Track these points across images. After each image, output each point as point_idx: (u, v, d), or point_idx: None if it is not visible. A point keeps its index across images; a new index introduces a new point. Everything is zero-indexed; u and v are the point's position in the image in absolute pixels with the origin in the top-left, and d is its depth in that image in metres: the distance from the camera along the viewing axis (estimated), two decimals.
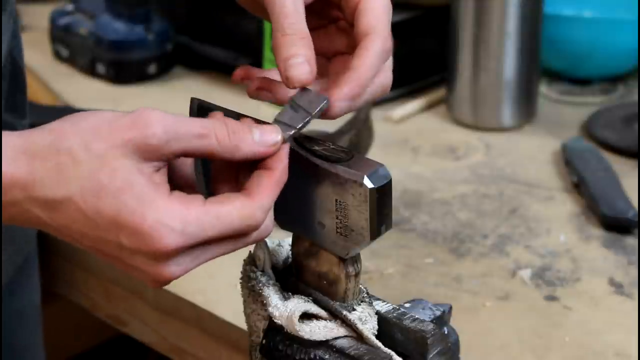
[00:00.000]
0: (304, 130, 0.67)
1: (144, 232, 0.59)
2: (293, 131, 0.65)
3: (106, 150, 0.59)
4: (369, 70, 0.67)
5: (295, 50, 0.66)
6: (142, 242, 0.59)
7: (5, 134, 0.60)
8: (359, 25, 0.68)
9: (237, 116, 0.69)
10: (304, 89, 0.67)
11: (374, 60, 0.67)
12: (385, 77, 0.71)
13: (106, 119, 0.60)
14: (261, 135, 0.63)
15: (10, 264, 0.96)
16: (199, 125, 0.61)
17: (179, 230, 0.59)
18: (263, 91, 0.70)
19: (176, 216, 0.59)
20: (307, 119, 0.66)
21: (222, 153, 0.62)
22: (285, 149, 0.65)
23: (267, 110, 1.30)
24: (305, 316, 0.71)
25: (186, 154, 0.62)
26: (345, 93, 0.66)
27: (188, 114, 0.72)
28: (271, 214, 0.64)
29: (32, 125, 1.28)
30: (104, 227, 0.59)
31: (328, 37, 0.73)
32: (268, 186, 0.63)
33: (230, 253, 0.64)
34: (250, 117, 0.66)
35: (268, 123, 0.66)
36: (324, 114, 0.67)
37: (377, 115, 1.28)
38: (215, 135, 0.62)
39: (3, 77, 0.87)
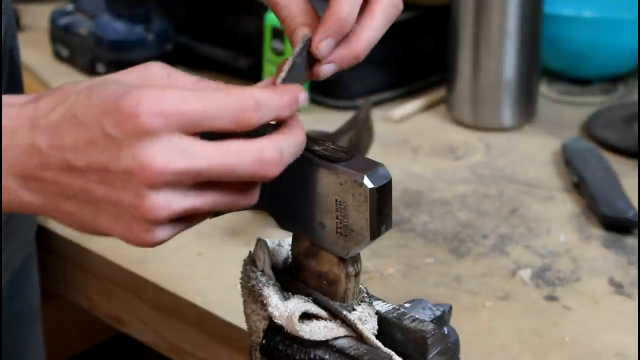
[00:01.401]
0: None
1: (123, 105, 0.56)
2: (282, 77, 0.65)
3: None
4: (344, 3, 0.67)
5: (296, 23, 0.67)
6: (122, 117, 0.56)
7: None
8: None
9: None
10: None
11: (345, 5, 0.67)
12: None
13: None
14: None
15: (11, 264, 0.96)
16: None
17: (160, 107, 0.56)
18: None
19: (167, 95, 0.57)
20: (291, 60, 0.66)
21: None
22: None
23: None
24: (305, 316, 0.71)
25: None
26: (321, 32, 0.66)
27: None
28: (283, 160, 0.61)
29: None
30: (90, 121, 0.57)
31: None
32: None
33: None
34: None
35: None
36: (313, 58, 0.67)
37: (377, 115, 1.28)
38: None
39: (3, 72, 0.87)
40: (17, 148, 0.59)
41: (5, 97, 0.61)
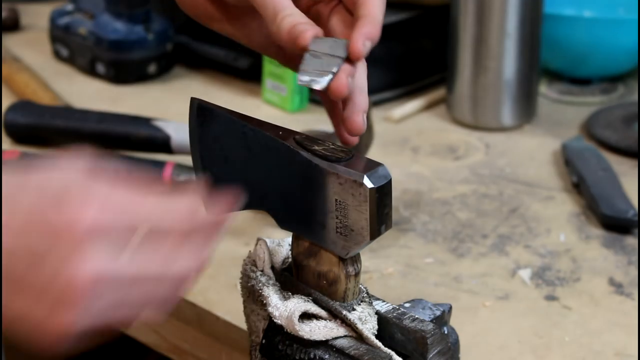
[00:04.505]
0: (303, 130, 0.67)
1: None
2: (330, 76, 0.67)
3: None
4: (379, 15, 0.71)
5: (293, 19, 0.70)
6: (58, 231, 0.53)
7: None
8: None
9: (240, 117, 0.70)
10: (318, 38, 0.69)
11: (379, 7, 0.71)
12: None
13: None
14: None
15: None
16: None
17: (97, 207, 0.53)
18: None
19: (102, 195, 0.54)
20: (339, 62, 0.68)
21: None
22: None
23: (267, 111, 1.30)
24: (305, 316, 0.71)
25: None
26: (365, 32, 0.70)
27: (188, 114, 0.73)
28: None
29: (33, 125, 1.28)
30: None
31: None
32: None
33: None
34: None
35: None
36: (350, 57, 0.69)
37: (377, 115, 1.28)
38: None
39: None
40: None
41: None
